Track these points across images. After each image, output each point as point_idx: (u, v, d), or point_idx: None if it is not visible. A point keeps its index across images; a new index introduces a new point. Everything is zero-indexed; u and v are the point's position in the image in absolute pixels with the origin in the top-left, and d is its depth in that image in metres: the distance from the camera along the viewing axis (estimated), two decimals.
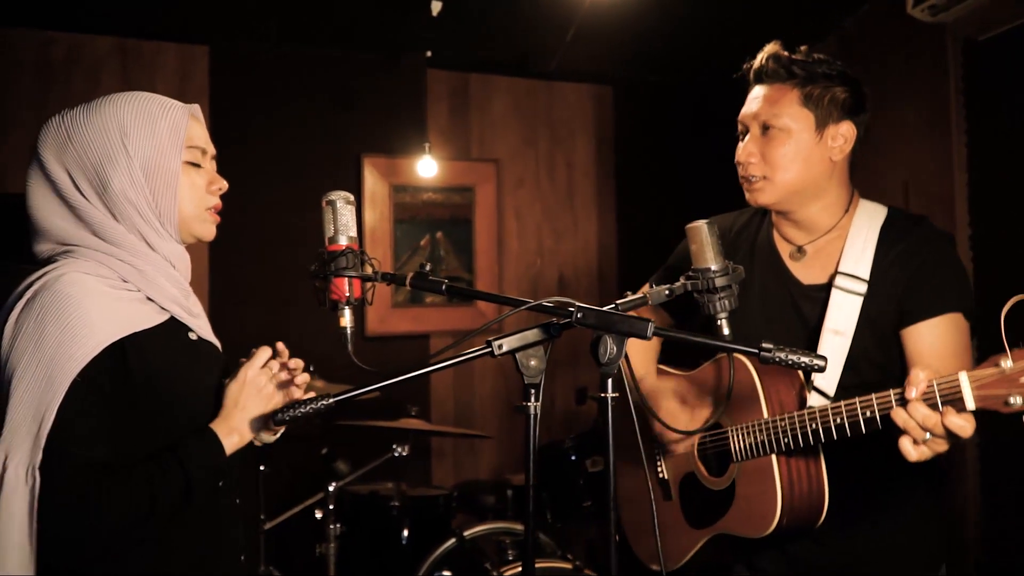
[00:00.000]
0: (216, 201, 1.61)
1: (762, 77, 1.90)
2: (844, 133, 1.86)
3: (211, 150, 1.63)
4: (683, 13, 4.00)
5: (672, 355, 2.20)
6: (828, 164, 1.87)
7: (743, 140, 1.92)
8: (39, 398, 1.35)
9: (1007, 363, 1.36)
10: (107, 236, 1.49)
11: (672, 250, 2.16)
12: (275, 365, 1.62)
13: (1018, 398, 1.34)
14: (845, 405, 1.61)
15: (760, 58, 1.91)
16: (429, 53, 4.38)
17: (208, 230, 1.61)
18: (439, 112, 4.64)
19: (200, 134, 1.60)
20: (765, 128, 1.87)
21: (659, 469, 2.12)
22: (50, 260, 1.51)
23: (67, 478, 1.35)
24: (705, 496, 1.97)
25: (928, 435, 1.44)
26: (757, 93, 1.91)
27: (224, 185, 1.62)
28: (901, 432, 1.46)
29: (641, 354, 2.17)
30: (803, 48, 1.91)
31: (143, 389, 1.46)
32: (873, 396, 1.55)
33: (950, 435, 1.44)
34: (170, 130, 1.53)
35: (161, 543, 1.48)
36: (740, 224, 2.08)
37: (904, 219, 1.89)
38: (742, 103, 1.94)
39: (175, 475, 1.44)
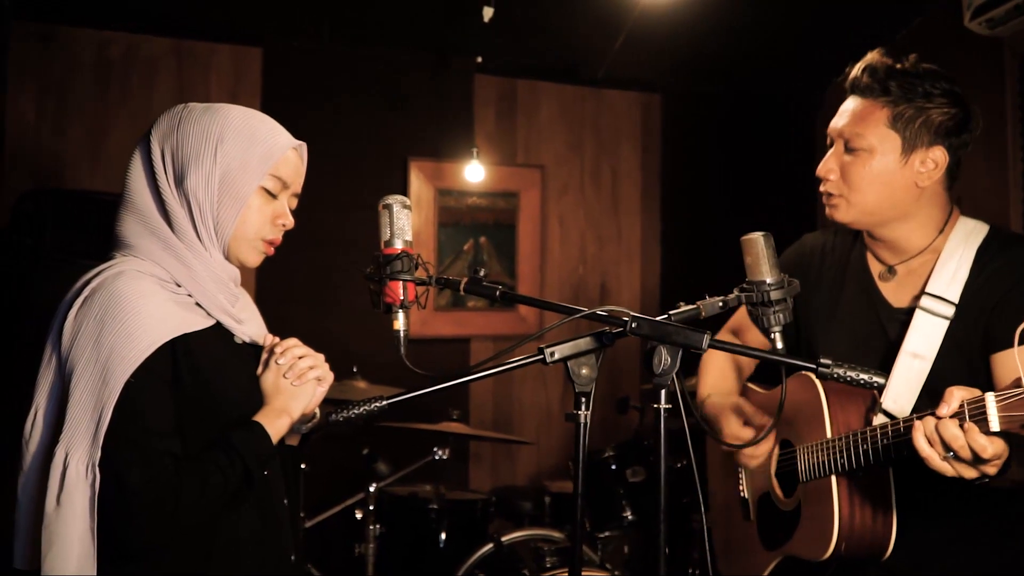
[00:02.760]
0: (275, 235, 1.63)
1: (855, 89, 1.79)
2: (934, 158, 1.74)
3: (295, 188, 1.65)
4: (733, 23, 3.98)
5: (764, 375, 2.12)
6: (913, 189, 1.76)
7: (830, 152, 1.83)
8: (96, 397, 1.39)
9: None
10: (173, 222, 1.53)
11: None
12: (297, 350, 1.65)
13: None
14: (891, 425, 1.58)
15: (857, 68, 1.79)
16: (480, 59, 4.40)
17: (254, 259, 1.63)
18: (486, 117, 4.66)
19: (291, 169, 1.62)
20: (848, 145, 1.78)
21: (740, 488, 2.08)
22: (109, 256, 1.55)
23: (152, 469, 1.39)
24: (778, 516, 1.92)
25: (951, 452, 1.42)
26: (848, 106, 1.80)
27: (289, 223, 1.64)
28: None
29: (715, 372, 2.11)
30: (912, 57, 1.76)
31: (191, 389, 1.49)
32: (915, 416, 1.50)
33: (976, 460, 1.41)
34: (263, 155, 1.56)
35: (214, 543, 1.51)
36: (834, 242, 1.98)
37: (1003, 238, 1.77)
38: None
39: (237, 463, 1.48)
